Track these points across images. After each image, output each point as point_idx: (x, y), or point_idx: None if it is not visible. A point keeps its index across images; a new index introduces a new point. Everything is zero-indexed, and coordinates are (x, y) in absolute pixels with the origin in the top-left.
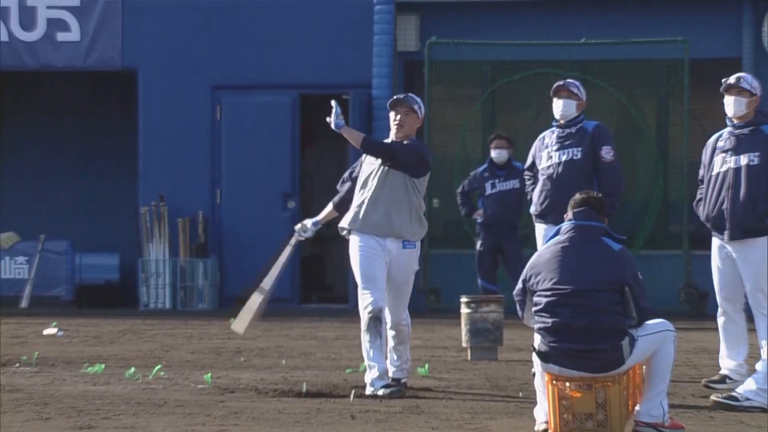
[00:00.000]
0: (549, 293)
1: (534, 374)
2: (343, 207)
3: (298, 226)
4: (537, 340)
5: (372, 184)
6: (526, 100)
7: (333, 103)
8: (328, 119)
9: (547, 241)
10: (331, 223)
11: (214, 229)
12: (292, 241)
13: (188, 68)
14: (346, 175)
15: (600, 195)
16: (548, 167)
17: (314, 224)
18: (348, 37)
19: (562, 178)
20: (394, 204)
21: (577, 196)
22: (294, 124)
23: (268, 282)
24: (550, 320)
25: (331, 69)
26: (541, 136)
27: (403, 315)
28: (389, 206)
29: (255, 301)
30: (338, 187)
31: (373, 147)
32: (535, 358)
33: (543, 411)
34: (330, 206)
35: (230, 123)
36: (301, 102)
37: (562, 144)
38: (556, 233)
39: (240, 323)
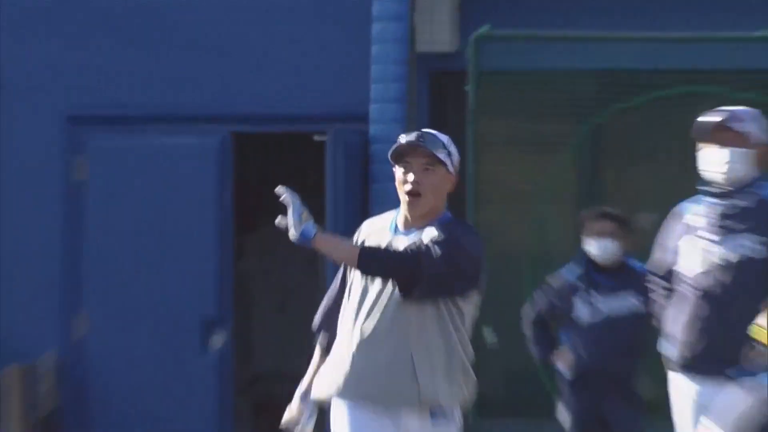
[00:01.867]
0: None
1: None
2: None
3: (285, 418)
4: None
5: (373, 306)
6: (649, 142)
7: (284, 194)
8: (277, 222)
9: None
10: None
11: (72, 385)
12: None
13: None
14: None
15: None
16: (703, 273)
17: (302, 399)
18: (325, 30)
19: (731, 292)
20: (416, 345)
21: None
22: (223, 185)
23: None
24: None
25: (292, 90)
26: (677, 210)
27: None
28: (406, 350)
29: None
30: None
31: (382, 267)
32: None
33: None
34: (317, 354)
35: (100, 185)
36: (235, 145)
37: (727, 228)
38: None
39: None
